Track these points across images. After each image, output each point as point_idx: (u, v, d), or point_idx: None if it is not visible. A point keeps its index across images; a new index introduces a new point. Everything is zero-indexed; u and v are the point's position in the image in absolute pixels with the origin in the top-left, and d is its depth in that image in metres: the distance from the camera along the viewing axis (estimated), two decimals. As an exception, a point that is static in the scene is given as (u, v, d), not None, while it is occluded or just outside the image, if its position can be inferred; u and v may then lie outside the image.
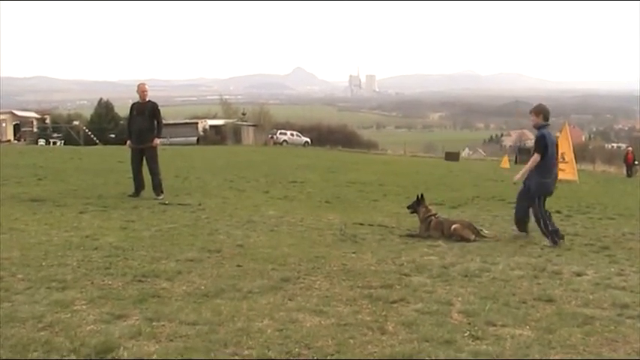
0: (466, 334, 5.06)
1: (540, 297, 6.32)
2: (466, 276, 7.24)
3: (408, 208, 11.01)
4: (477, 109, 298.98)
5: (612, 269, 7.86)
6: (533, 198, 10.08)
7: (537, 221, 10.01)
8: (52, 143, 56.63)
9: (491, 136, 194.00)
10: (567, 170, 26.95)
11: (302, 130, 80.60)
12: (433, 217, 10.33)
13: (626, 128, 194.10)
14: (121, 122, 62.02)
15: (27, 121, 65.28)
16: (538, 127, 10.24)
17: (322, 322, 5.25)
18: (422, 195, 10.83)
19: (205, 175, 20.85)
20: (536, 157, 9.99)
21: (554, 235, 9.75)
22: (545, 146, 9.98)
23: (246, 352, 4.51)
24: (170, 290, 6.09)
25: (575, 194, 19.73)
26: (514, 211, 10.93)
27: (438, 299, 6.12)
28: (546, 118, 10.25)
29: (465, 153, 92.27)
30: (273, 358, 4.44)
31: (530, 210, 10.22)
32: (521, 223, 10.60)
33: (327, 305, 5.76)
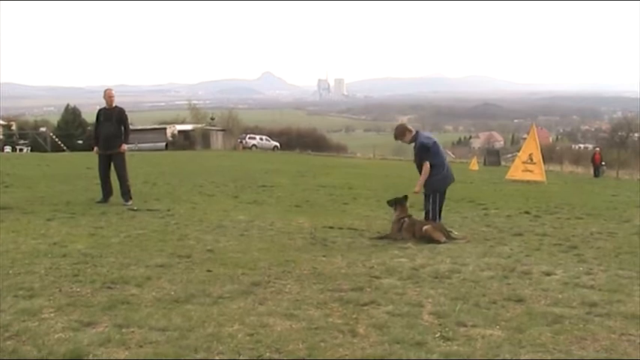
0: (437, 336, 5.08)
1: (510, 297, 6.37)
2: (436, 277, 7.27)
3: (388, 202, 10.92)
4: (445, 111, 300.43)
5: (581, 268, 7.95)
6: (427, 195, 10.57)
7: (425, 215, 10.57)
8: (18, 150, 55.92)
9: (460, 139, 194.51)
10: (535, 171, 27.25)
11: (271, 135, 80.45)
12: (407, 219, 10.32)
13: (593, 129, 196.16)
14: (89, 128, 61.42)
15: (-8, 128, 64.49)
16: (414, 141, 10.61)
17: (293, 326, 5.24)
18: (406, 197, 10.73)
19: (174, 180, 20.69)
20: (426, 166, 10.40)
21: None
22: (427, 152, 10.44)
23: (216, 358, 4.49)
24: (140, 296, 6.03)
25: (543, 195, 19.93)
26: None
27: (408, 301, 6.14)
28: (402, 134, 10.71)
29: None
30: (244, 362, 4.42)
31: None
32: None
33: (297, 309, 5.76)
